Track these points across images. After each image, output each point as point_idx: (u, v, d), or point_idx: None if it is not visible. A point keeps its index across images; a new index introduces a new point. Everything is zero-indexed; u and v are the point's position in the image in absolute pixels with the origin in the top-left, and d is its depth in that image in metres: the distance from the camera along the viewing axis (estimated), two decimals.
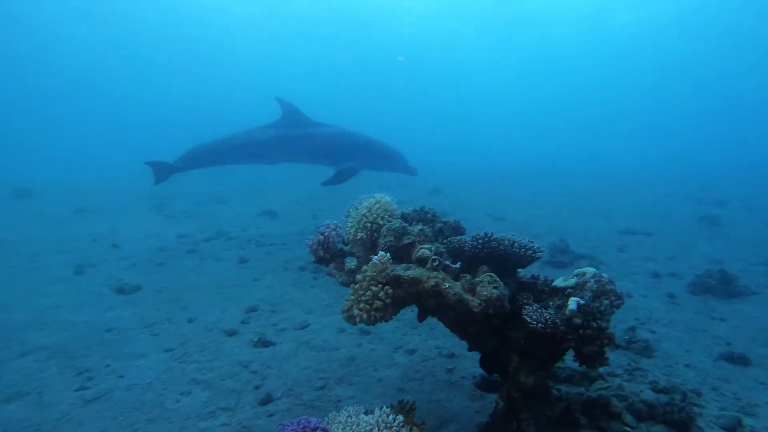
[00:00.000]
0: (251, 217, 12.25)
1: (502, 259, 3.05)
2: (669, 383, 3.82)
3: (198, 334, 5.40)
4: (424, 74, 61.01)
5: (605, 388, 3.69)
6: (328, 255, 3.36)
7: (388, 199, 3.54)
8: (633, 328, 5.22)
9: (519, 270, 3.55)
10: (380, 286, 2.79)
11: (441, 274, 2.81)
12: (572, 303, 2.76)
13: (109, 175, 22.95)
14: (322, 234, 3.34)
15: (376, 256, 2.86)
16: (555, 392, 3.85)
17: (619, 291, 3.02)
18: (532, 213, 12.20)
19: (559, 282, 3.19)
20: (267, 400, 4.04)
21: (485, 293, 2.74)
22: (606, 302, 2.82)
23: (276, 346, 5.06)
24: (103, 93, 60.97)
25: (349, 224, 3.49)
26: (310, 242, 3.39)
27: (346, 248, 3.52)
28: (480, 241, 3.04)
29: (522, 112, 66.01)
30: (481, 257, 3.09)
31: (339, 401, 4.01)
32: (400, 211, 3.74)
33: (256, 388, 4.25)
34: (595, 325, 2.70)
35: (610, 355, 4.88)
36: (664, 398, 3.55)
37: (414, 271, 2.81)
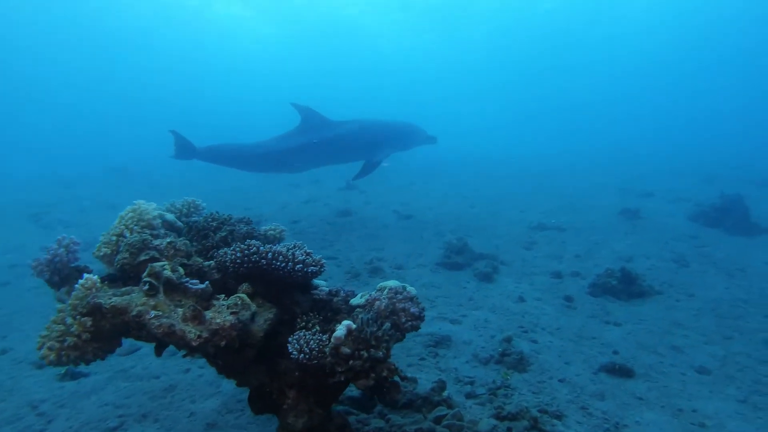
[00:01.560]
0: None
1: (265, 275, 2.66)
2: (518, 407, 3.50)
3: (0, 368, 4.77)
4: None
5: (438, 419, 3.32)
6: (58, 277, 2.81)
7: (148, 205, 3.12)
8: (509, 339, 4.95)
9: (320, 283, 3.19)
10: (79, 317, 2.27)
11: (155, 300, 2.32)
12: (340, 328, 2.42)
13: None
14: (49, 253, 2.79)
15: (81, 280, 2.36)
16: (382, 423, 3.46)
17: (415, 310, 2.68)
18: (445, 209, 12.02)
19: (356, 299, 2.83)
20: None
21: (218, 321, 2.28)
22: (387, 326, 2.46)
23: (85, 379, 4.57)
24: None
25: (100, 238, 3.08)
26: (35, 264, 2.85)
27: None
28: (239, 254, 2.61)
29: (457, 105, 67.31)
30: (244, 274, 2.69)
31: None
32: (202, 215, 3.49)
33: None
34: (365, 354, 2.32)
35: (479, 370, 4.61)
36: (502, 428, 3.22)
37: (120, 298, 2.31)
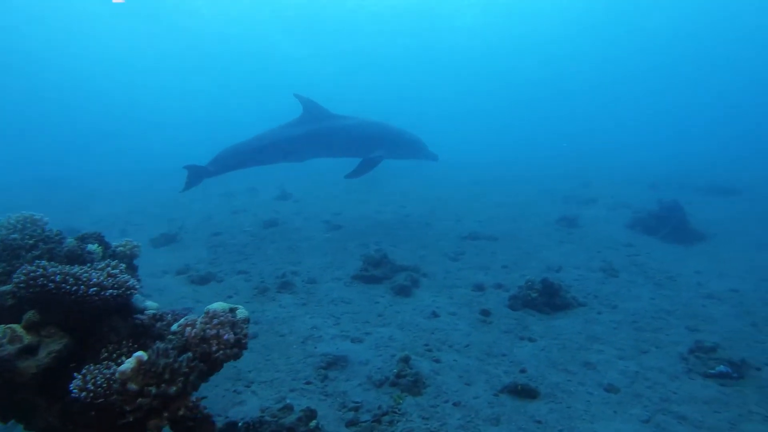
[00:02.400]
0: None
1: (57, 301, 2.36)
2: None
3: None
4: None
5: None
6: None
7: None
8: (407, 359, 4.74)
9: (150, 305, 2.91)
10: None
11: None
12: (129, 361, 2.14)
13: None
14: None
15: None
16: None
17: (229, 337, 2.45)
18: (378, 218, 11.85)
19: (176, 325, 2.56)
20: None
21: None
22: (186, 356, 2.20)
23: None
24: None
25: None
26: None
27: None
28: (23, 277, 2.33)
29: (423, 106, 67.70)
30: (32, 299, 2.39)
31: None
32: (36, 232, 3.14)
33: None
34: (154, 390, 2.05)
35: (370, 393, 4.38)
36: None
37: None
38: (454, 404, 4.24)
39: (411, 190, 16.35)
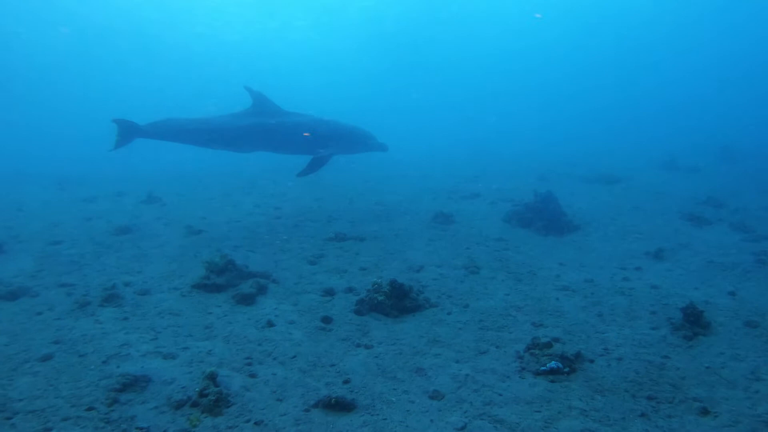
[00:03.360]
0: None
1: None
2: None
3: None
4: None
5: None
6: None
7: None
8: (213, 376, 4.44)
9: None
10: None
11: None
12: None
13: None
14: None
15: None
16: None
17: None
18: (245, 222, 11.44)
19: None
20: None
21: None
22: None
23: None
24: None
25: None
26: None
27: None
28: None
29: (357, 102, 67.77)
30: None
31: None
32: None
33: None
34: None
35: (165, 417, 4.04)
36: None
37: None
38: (256, 423, 4.01)
39: (291, 190, 16.05)
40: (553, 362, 4.76)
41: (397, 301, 6.35)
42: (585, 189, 14.86)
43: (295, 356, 5.18)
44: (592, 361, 4.96)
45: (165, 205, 14.25)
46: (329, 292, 6.96)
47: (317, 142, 10.66)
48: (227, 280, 7.24)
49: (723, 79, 55.38)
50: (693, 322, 5.60)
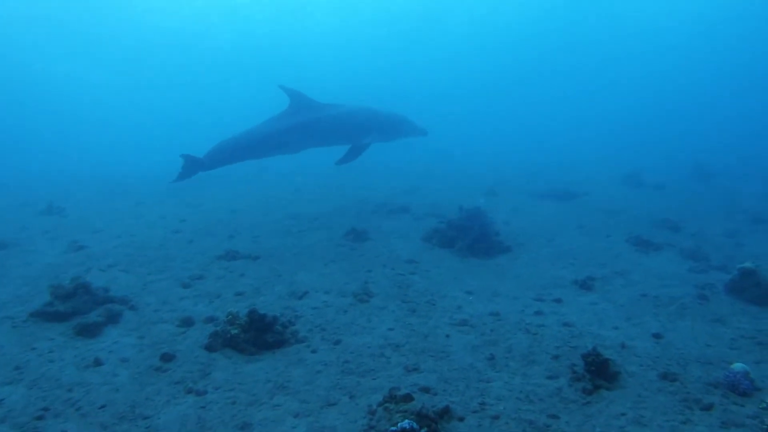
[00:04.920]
0: None
1: None
2: None
3: None
4: None
5: None
6: None
7: None
8: None
9: None
10: None
11: None
12: None
13: None
14: None
15: None
16: None
17: None
18: (137, 239, 10.76)
19: None
20: None
21: None
22: None
23: None
24: None
25: None
26: None
27: None
28: None
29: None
30: None
31: None
32: None
33: None
34: None
35: None
36: None
37: None
38: None
39: (211, 198, 15.53)
40: (406, 421, 4.19)
41: (257, 334, 5.78)
42: (534, 205, 14.53)
43: (104, 406, 4.58)
44: (461, 419, 4.42)
45: (65, 217, 13.66)
46: (187, 322, 6.38)
47: (359, 130, 11.33)
48: (74, 306, 6.62)
49: (707, 92, 56.67)
50: (595, 372, 5.05)
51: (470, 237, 9.66)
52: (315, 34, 60.52)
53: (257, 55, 61.82)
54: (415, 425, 4.16)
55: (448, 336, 6.01)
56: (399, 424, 4.19)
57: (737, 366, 4.79)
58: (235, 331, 5.73)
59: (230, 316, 5.86)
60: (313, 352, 5.65)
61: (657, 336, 6.09)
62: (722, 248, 10.50)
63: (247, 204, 14.70)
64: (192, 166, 10.90)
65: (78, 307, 6.62)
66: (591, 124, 49.46)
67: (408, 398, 4.47)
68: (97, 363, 5.36)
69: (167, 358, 5.49)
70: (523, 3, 50.37)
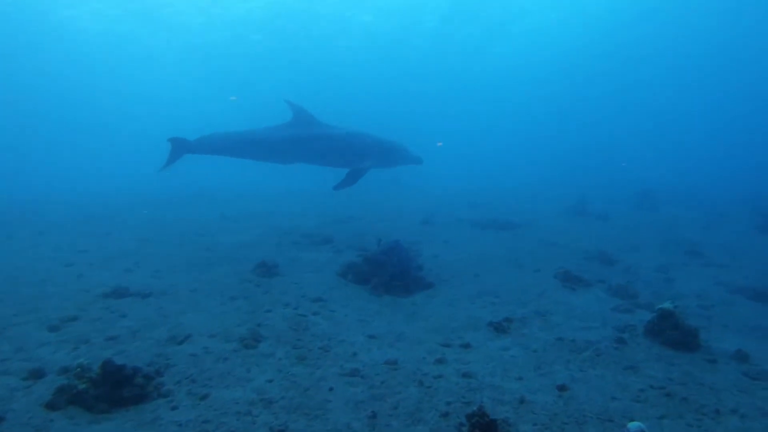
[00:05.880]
0: None
1: None
2: None
3: None
4: None
5: None
6: None
7: None
8: None
9: None
10: None
11: None
12: None
13: None
14: None
15: None
16: None
17: None
18: (13, 274, 10.04)
19: None
20: None
21: None
22: None
23: None
24: None
25: None
26: None
27: None
28: None
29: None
30: None
31: None
32: None
33: None
34: None
35: None
36: None
37: None
38: None
39: (123, 226, 14.85)
40: None
41: (112, 390, 5.22)
42: (471, 236, 14.29)
43: None
44: None
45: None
46: (36, 374, 5.76)
47: (357, 153, 11.89)
48: None
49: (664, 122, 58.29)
50: None
51: (387, 273, 9.26)
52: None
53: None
54: None
55: (331, 389, 5.54)
56: None
57: (633, 426, 4.45)
58: (83, 386, 5.17)
59: (79, 369, 5.30)
60: (173, 409, 5.12)
61: (562, 388, 5.72)
62: (652, 284, 10.34)
63: (163, 233, 14.08)
64: (179, 148, 11.83)
65: None
66: (548, 150, 50.22)
67: None
68: None
69: (1, 418, 4.91)
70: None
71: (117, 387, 5.25)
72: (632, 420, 4.78)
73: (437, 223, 15.97)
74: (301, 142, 11.82)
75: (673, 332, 7.14)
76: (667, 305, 7.36)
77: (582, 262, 11.59)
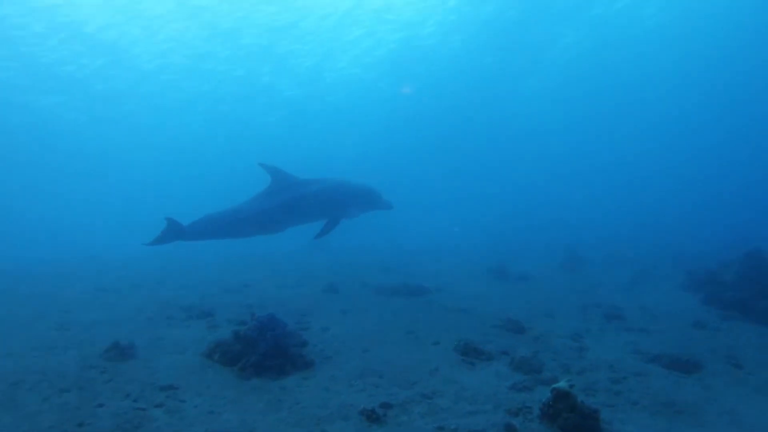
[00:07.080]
0: None
1: None
2: None
3: None
4: None
5: None
6: None
7: None
8: None
9: None
10: None
11: None
12: None
13: None
14: None
15: None
16: None
17: None
18: None
19: None
20: None
21: None
22: None
23: None
24: None
25: None
26: None
27: None
28: None
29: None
30: None
31: None
32: None
33: None
34: None
35: None
36: None
37: None
38: None
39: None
40: None
41: None
42: (374, 304, 13.58)
43: None
44: None
45: None
46: None
47: (339, 205, 12.05)
48: None
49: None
50: None
51: (260, 352, 8.45)
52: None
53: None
54: None
55: None
56: None
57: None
58: None
59: None
60: None
61: None
62: (562, 354, 9.79)
63: (18, 308, 12.89)
64: (173, 232, 11.52)
65: None
66: (477, 207, 50.57)
67: None
68: None
69: None
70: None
71: None
72: None
73: (342, 290, 15.23)
74: (291, 206, 11.81)
75: (569, 415, 6.51)
76: (562, 384, 6.76)
77: (489, 331, 11.01)
